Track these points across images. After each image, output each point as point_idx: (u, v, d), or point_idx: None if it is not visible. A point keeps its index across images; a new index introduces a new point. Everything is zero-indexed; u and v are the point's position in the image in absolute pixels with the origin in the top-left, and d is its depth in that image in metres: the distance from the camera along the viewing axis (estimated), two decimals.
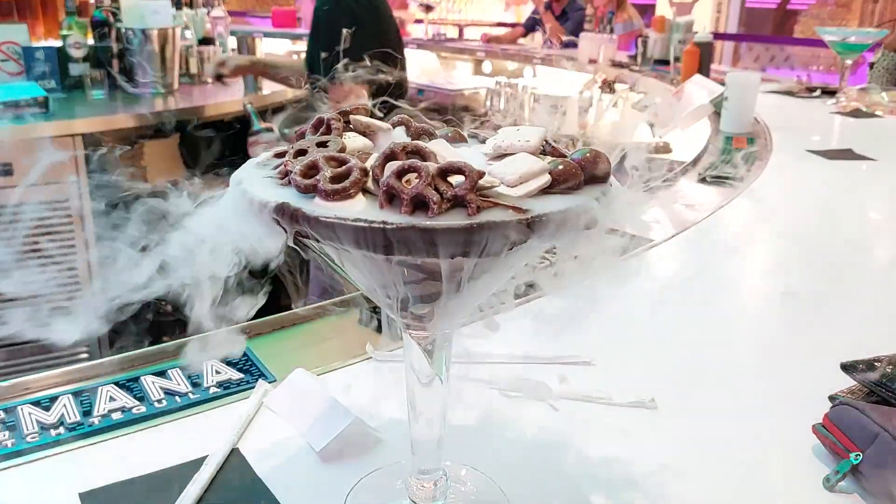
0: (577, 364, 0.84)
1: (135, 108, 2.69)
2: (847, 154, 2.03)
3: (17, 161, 2.27)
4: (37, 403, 0.75)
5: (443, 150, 0.49)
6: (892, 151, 2.18)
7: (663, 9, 6.96)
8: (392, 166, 0.44)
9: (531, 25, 5.43)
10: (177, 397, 0.77)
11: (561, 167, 0.47)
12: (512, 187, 0.45)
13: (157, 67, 2.92)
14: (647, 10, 5.66)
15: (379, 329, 0.82)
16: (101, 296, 0.50)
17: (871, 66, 3.11)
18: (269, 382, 0.79)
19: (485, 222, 0.42)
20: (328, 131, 0.53)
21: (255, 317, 0.89)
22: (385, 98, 0.62)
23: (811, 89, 3.19)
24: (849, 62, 2.87)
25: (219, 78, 2.88)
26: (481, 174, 0.44)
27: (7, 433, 0.71)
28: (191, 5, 3.51)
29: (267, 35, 5.15)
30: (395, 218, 0.42)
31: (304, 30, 5.84)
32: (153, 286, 0.50)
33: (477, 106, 4.59)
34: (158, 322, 1.93)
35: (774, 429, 0.75)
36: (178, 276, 0.49)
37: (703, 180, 1.70)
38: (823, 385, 0.77)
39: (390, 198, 0.43)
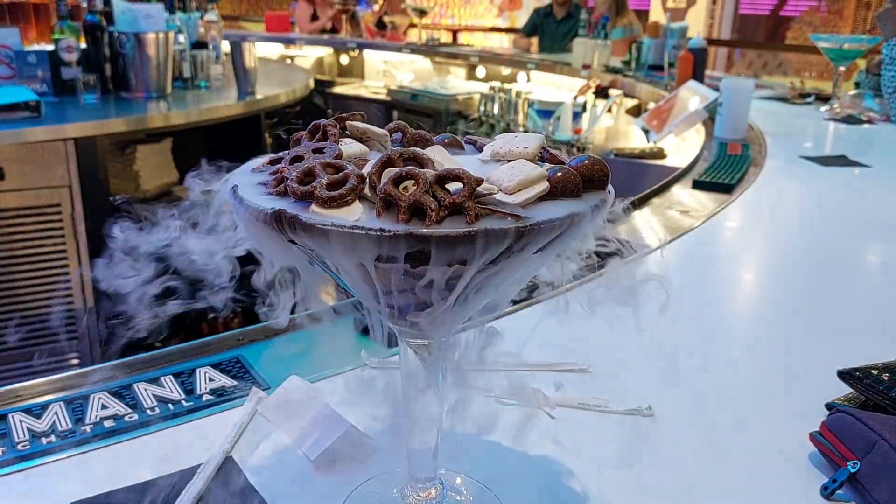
0: (573, 371, 0.84)
1: (127, 112, 2.67)
2: (841, 160, 2.03)
3: (9, 165, 2.26)
4: (28, 411, 0.74)
5: (440, 157, 0.49)
6: (886, 158, 2.19)
7: (657, 14, 6.99)
8: (389, 173, 0.44)
9: (531, 30, 5.44)
10: (170, 405, 0.76)
11: (559, 174, 0.47)
12: (510, 194, 0.45)
13: (149, 72, 2.91)
14: (640, 16, 5.68)
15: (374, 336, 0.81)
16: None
17: (857, 85, 3.14)
18: (264, 390, 0.78)
19: (483, 230, 0.41)
20: (324, 137, 0.52)
21: (249, 323, 0.89)
22: None
23: (804, 95, 3.20)
24: (842, 69, 2.89)
25: None
26: (479, 181, 0.43)
27: None
28: (184, 9, 3.50)
29: (260, 39, 5.15)
30: (393, 225, 0.42)
31: (298, 34, 5.85)
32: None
33: (471, 111, 4.59)
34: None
35: (771, 437, 0.74)
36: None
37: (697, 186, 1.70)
38: (820, 393, 0.77)
39: (388, 205, 0.43)
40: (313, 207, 0.43)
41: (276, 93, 3.20)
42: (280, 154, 0.52)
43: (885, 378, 0.73)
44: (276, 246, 0.47)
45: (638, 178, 2.01)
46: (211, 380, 0.81)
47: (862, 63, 3.18)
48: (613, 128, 3.52)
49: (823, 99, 3.08)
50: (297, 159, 0.49)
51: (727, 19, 7.17)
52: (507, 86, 4.34)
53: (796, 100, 3.15)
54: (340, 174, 0.45)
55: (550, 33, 5.16)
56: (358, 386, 0.80)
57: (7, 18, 3.17)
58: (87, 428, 0.72)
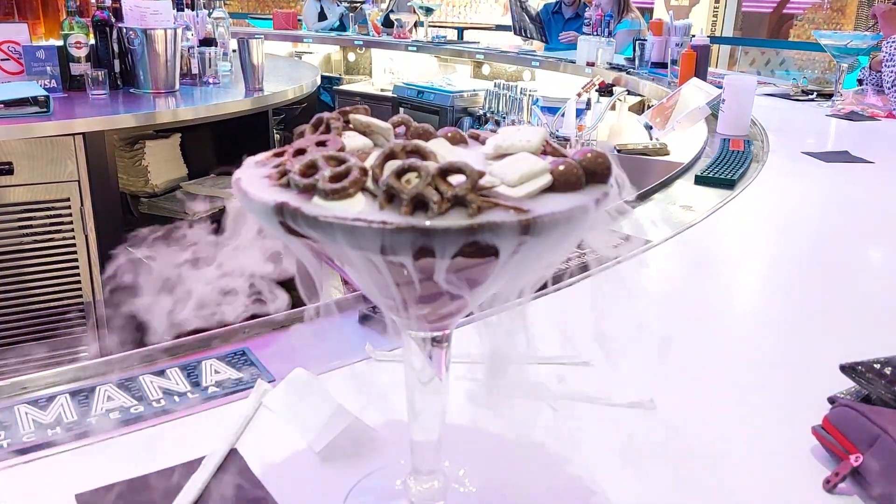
0: (575, 364, 0.84)
1: (136, 107, 2.68)
2: (843, 156, 2.03)
3: (18, 160, 2.27)
4: (34, 403, 0.75)
5: (443, 150, 0.49)
6: (888, 154, 2.19)
7: (660, 12, 6.98)
8: (392, 166, 0.44)
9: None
10: (175, 397, 0.77)
11: (562, 167, 0.47)
12: (513, 187, 0.45)
13: (158, 68, 2.91)
14: (643, 13, 5.66)
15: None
16: None
17: (860, 82, 3.13)
18: (268, 382, 0.79)
19: (485, 223, 0.42)
20: (327, 130, 0.52)
21: (254, 316, 0.90)
22: None
23: (807, 92, 3.20)
24: (844, 66, 2.88)
25: None
26: (482, 174, 0.43)
27: (3, 433, 0.70)
28: (192, 6, 3.51)
29: (268, 37, 5.15)
30: (395, 218, 0.42)
31: (306, 31, 5.86)
32: None
33: (476, 108, 4.59)
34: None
35: (774, 430, 0.75)
36: None
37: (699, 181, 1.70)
38: (823, 387, 0.77)
39: (390, 198, 0.43)
40: (316, 200, 0.44)
41: (284, 89, 3.20)
42: (284, 147, 0.52)
43: (888, 372, 0.73)
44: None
45: (641, 174, 2.01)
46: (216, 372, 0.81)
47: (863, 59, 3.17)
48: (617, 124, 3.52)
49: (826, 95, 3.08)
50: (301, 152, 0.49)
51: (730, 17, 7.16)
52: (511, 83, 4.34)
53: (799, 96, 3.14)
54: (343, 167, 0.45)
55: (557, 31, 5.15)
56: (362, 378, 0.81)
57: (15, 14, 3.17)
58: (93, 420, 0.73)
